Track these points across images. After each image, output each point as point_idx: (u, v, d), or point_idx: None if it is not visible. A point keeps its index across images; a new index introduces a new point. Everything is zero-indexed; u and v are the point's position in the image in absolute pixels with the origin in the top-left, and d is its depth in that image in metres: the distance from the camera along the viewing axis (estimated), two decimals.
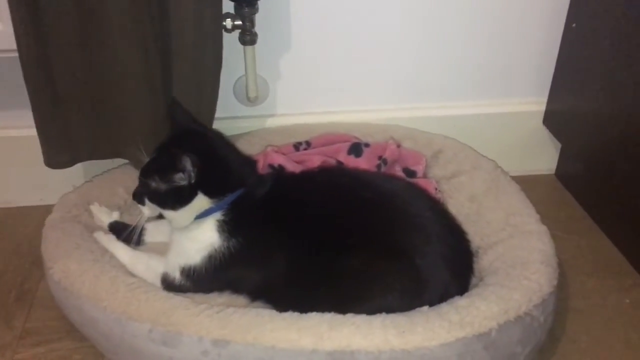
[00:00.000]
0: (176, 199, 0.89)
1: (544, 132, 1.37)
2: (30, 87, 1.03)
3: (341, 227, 0.88)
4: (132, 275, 0.93)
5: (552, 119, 1.34)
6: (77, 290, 0.88)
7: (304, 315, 0.81)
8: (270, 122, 1.31)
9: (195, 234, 0.91)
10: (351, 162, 1.13)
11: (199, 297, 0.91)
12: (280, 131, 1.27)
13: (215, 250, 0.90)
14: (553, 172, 1.42)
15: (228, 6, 1.13)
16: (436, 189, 1.12)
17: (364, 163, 1.13)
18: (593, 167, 1.25)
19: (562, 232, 1.15)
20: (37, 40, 0.99)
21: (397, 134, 1.22)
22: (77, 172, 1.21)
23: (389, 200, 0.91)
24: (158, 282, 0.93)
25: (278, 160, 1.12)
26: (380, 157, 1.14)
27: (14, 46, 1.00)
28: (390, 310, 0.81)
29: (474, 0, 1.23)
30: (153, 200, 0.91)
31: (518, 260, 0.92)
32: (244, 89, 1.24)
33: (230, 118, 1.30)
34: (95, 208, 1.07)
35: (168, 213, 0.91)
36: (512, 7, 1.25)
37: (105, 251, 0.97)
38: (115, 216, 1.08)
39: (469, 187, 1.12)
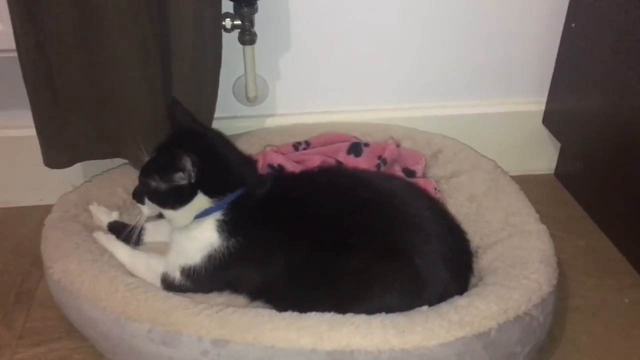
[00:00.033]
0: (176, 198, 0.89)
1: (544, 132, 1.37)
2: (29, 87, 1.03)
3: (341, 227, 0.88)
4: (131, 275, 0.93)
5: (552, 119, 1.34)
6: (77, 290, 0.88)
7: (303, 315, 0.81)
8: (270, 122, 1.31)
9: (195, 233, 0.91)
10: (351, 161, 1.13)
11: (199, 296, 0.91)
12: (279, 131, 1.27)
13: (215, 250, 0.90)
14: (552, 171, 1.42)
15: (227, 6, 1.13)
16: (435, 188, 1.12)
17: (363, 163, 1.13)
18: (592, 167, 1.25)
19: (561, 231, 1.15)
20: (37, 40, 0.99)
21: (397, 134, 1.22)
22: (76, 172, 1.21)
23: (389, 200, 0.91)
24: (158, 282, 0.93)
25: (277, 160, 1.12)
26: (379, 157, 1.14)
27: (14, 46, 1.00)
28: (389, 310, 0.81)
29: (473, 0, 1.23)
30: (153, 199, 0.91)
31: (517, 260, 0.92)
32: (244, 88, 1.24)
33: (230, 118, 1.30)
34: (94, 208, 1.07)
35: (168, 212, 0.91)
36: (512, 7, 1.25)
37: (104, 251, 0.97)
38: (114, 216, 1.08)
39: (468, 187, 1.12)
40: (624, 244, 1.15)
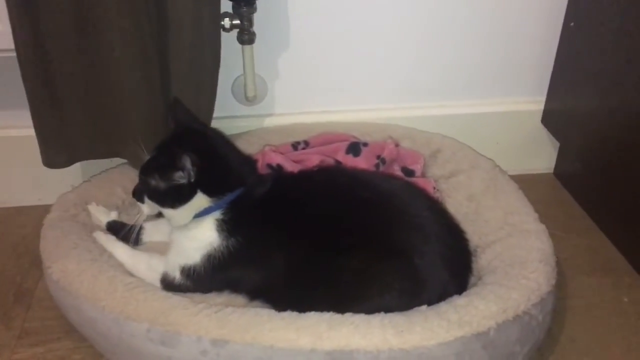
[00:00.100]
0: (175, 197, 0.89)
1: (543, 131, 1.37)
2: (28, 86, 1.03)
3: (340, 227, 0.88)
4: (131, 275, 0.93)
5: (551, 118, 1.34)
6: (76, 289, 0.87)
7: (302, 314, 0.81)
8: (269, 122, 1.31)
9: (195, 233, 0.91)
10: (349, 161, 1.13)
11: (198, 296, 0.91)
12: (278, 130, 1.27)
13: (215, 249, 0.90)
14: (551, 171, 1.42)
15: (226, 5, 1.13)
16: (435, 188, 1.12)
17: (362, 162, 1.13)
18: (591, 166, 1.25)
19: (560, 231, 1.15)
20: (35, 40, 0.99)
21: (396, 133, 1.22)
22: (75, 172, 1.21)
23: (388, 200, 0.91)
24: (158, 282, 0.93)
25: (276, 159, 1.11)
26: (378, 157, 1.14)
27: (12, 46, 1.00)
28: (388, 309, 0.81)
29: (472, 0, 1.23)
30: (152, 198, 0.91)
31: (516, 260, 0.92)
32: (243, 88, 1.24)
33: (229, 117, 1.30)
34: (93, 207, 1.07)
35: (167, 211, 0.91)
36: (511, 6, 1.25)
37: (103, 251, 0.97)
38: (113, 216, 1.08)
39: (467, 186, 1.12)
40: (623, 243, 1.16)
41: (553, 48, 1.29)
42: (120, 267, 0.94)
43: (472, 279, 0.93)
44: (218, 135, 0.99)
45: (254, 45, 1.17)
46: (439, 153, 1.20)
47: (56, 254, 0.94)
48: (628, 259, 1.14)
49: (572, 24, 1.23)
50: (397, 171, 1.15)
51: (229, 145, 0.97)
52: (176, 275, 0.92)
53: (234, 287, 0.93)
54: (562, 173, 1.39)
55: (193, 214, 0.90)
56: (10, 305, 1.06)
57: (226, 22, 1.13)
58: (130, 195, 0.99)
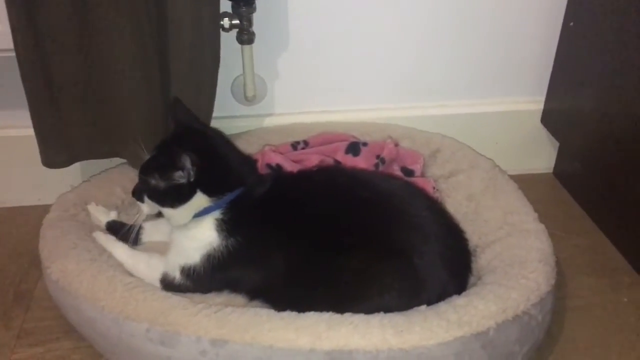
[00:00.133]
0: (175, 196, 0.89)
1: (542, 131, 1.37)
2: (27, 86, 1.03)
3: (339, 227, 0.88)
4: (130, 274, 0.93)
5: (550, 118, 1.34)
6: (75, 290, 0.87)
7: (302, 314, 0.81)
8: (268, 122, 1.31)
9: (194, 232, 0.91)
10: (349, 161, 1.13)
11: (197, 296, 0.91)
12: (278, 130, 1.27)
13: (214, 249, 0.90)
14: (551, 170, 1.42)
15: (226, 5, 1.12)
16: (434, 188, 1.12)
17: (361, 162, 1.13)
18: (591, 166, 1.25)
19: (560, 230, 1.16)
20: (35, 40, 0.99)
21: (395, 133, 1.22)
22: (74, 172, 1.21)
23: (387, 200, 0.91)
24: (157, 282, 0.93)
25: (276, 159, 1.11)
26: (378, 156, 1.14)
27: (12, 46, 1.00)
28: (388, 309, 0.81)
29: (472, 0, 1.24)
30: (152, 197, 0.91)
31: (516, 259, 0.92)
32: (242, 88, 1.24)
33: (228, 117, 1.29)
34: (92, 207, 1.07)
35: (167, 211, 0.91)
36: (510, 6, 1.25)
37: (102, 251, 0.96)
38: (112, 215, 1.08)
39: (466, 186, 1.12)
40: (623, 243, 1.16)
41: (553, 48, 1.29)
42: (119, 267, 0.94)
43: (472, 279, 0.93)
44: (218, 135, 0.99)
45: (254, 45, 1.17)
46: (439, 153, 1.20)
47: (55, 254, 0.94)
48: (628, 258, 1.14)
49: (571, 23, 1.23)
50: (396, 171, 1.15)
51: (229, 145, 0.97)
52: (176, 275, 0.92)
53: (234, 287, 0.93)
54: (562, 173, 1.39)
55: (193, 213, 0.90)
56: (10, 305, 1.06)
57: (225, 22, 1.13)
58: (130, 195, 0.99)
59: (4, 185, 1.29)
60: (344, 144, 1.16)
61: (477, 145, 1.21)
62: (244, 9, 1.12)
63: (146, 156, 0.92)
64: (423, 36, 1.27)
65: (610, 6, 1.11)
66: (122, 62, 1.02)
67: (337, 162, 1.13)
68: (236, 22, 1.13)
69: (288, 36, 1.23)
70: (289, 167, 1.11)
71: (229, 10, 1.13)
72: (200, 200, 0.89)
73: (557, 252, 0.95)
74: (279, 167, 1.11)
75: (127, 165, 1.15)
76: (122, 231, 1.02)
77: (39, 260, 0.96)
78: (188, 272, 0.91)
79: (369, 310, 0.80)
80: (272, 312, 0.82)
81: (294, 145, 1.20)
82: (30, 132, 1.07)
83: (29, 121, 1.06)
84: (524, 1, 1.25)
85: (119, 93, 1.05)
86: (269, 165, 1.11)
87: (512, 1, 1.24)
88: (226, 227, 0.90)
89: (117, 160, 1.17)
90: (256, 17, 1.15)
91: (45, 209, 1.05)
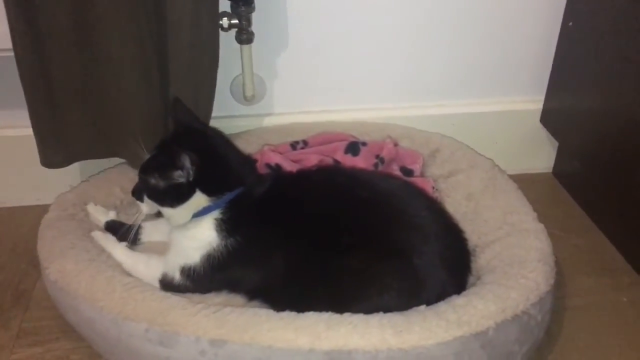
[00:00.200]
0: (175, 196, 0.89)
1: (541, 131, 1.37)
2: (26, 86, 1.03)
3: (338, 227, 0.88)
4: (129, 275, 0.93)
5: (550, 118, 1.34)
6: (74, 290, 0.87)
7: (301, 314, 0.81)
8: (268, 121, 1.31)
9: (194, 232, 0.91)
10: (348, 161, 1.13)
11: (196, 296, 0.91)
12: (277, 130, 1.27)
13: (214, 249, 0.90)
14: (550, 170, 1.42)
15: (225, 5, 1.12)
16: (433, 187, 1.12)
17: (361, 162, 1.13)
18: (590, 166, 1.25)
19: (559, 230, 1.15)
20: (33, 40, 0.99)
21: (395, 133, 1.22)
22: (73, 172, 1.21)
23: (386, 200, 0.91)
24: (157, 282, 0.93)
25: (275, 159, 1.11)
26: (377, 156, 1.14)
27: (10, 45, 0.99)
28: (387, 309, 0.81)
29: None
30: (152, 197, 0.91)
31: (515, 259, 0.92)
32: (241, 87, 1.24)
33: (227, 117, 1.29)
34: (91, 207, 1.07)
35: (166, 210, 0.91)
36: (509, 5, 1.25)
37: (101, 251, 0.96)
38: (111, 215, 1.08)
39: (466, 186, 1.12)
40: (622, 243, 1.15)
41: (552, 47, 1.29)
42: (118, 267, 0.94)
43: (471, 279, 0.93)
44: (218, 134, 0.99)
45: (253, 44, 1.17)
46: (438, 152, 1.20)
47: (54, 254, 0.94)
48: (627, 258, 1.13)
49: (570, 23, 1.23)
50: (396, 171, 1.15)
51: (229, 145, 0.97)
52: (175, 275, 0.92)
53: (233, 287, 0.93)
54: (561, 172, 1.39)
55: (192, 213, 0.90)
56: (9, 305, 1.05)
57: (224, 21, 1.13)
58: (129, 195, 0.99)
59: (3, 185, 1.29)
60: (344, 144, 1.16)
61: (476, 145, 1.21)
62: (243, 8, 1.12)
63: (146, 156, 0.92)
64: (422, 36, 1.26)
65: (609, 6, 1.11)
66: (121, 62, 1.02)
67: (337, 162, 1.13)
68: (235, 21, 1.13)
69: (287, 36, 1.23)
70: (288, 166, 1.10)
71: (228, 9, 1.13)
72: (199, 199, 0.89)
73: (557, 252, 0.95)
74: (278, 167, 1.11)
75: (126, 165, 1.15)
76: (121, 231, 1.02)
77: (38, 260, 0.96)
78: (188, 272, 0.91)
79: (368, 310, 0.80)
80: (271, 312, 0.82)
81: (293, 145, 1.20)
82: (29, 132, 1.07)
83: (27, 121, 1.06)
84: (524, 1, 1.24)
85: (118, 93, 1.05)
86: (268, 165, 1.11)
87: (511, 1, 1.24)
88: (225, 227, 0.90)
89: (116, 160, 1.17)
90: (255, 16, 1.15)
91: (44, 209, 1.05)
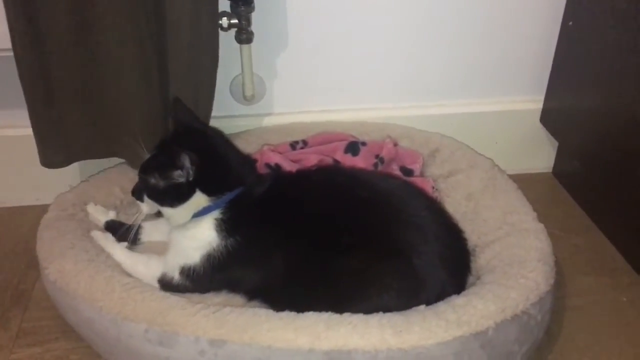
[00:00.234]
0: (174, 196, 0.89)
1: (541, 131, 1.37)
2: (25, 86, 1.03)
3: (338, 227, 0.88)
4: (128, 275, 0.93)
5: (549, 117, 1.34)
6: (73, 290, 0.87)
7: (300, 314, 0.80)
8: (267, 121, 1.31)
9: (194, 232, 0.91)
10: (348, 160, 1.13)
11: (196, 296, 0.91)
12: (277, 130, 1.27)
13: (214, 249, 0.90)
14: (550, 170, 1.42)
15: (224, 5, 1.12)
16: (433, 187, 1.12)
17: (360, 162, 1.13)
18: (590, 166, 1.25)
19: (559, 230, 1.15)
20: (33, 40, 0.99)
21: (394, 133, 1.22)
22: (73, 172, 1.21)
23: (386, 200, 0.91)
24: (156, 282, 0.93)
25: (274, 159, 1.11)
26: (377, 156, 1.14)
27: (9, 45, 0.99)
28: (387, 309, 0.81)
29: None
30: (152, 197, 0.91)
31: (515, 259, 0.92)
32: (241, 87, 1.24)
33: (227, 117, 1.29)
34: (91, 207, 1.07)
35: (166, 210, 0.91)
36: (509, 5, 1.25)
37: (100, 251, 0.96)
38: (111, 215, 1.08)
39: (466, 186, 1.12)
40: (622, 243, 1.15)
41: (552, 47, 1.29)
42: (117, 267, 0.94)
43: (471, 279, 0.93)
44: (218, 134, 0.99)
45: (252, 44, 1.17)
46: (438, 152, 1.20)
47: (53, 254, 0.93)
48: (627, 258, 1.13)
49: (570, 22, 1.23)
50: (395, 170, 1.15)
51: (229, 145, 0.97)
52: (175, 275, 0.92)
53: (233, 287, 0.93)
54: (561, 172, 1.39)
55: (192, 213, 0.90)
56: (8, 305, 1.05)
57: (224, 21, 1.12)
58: (129, 195, 0.99)
59: (3, 185, 1.29)
60: (343, 144, 1.16)
61: (476, 145, 1.21)
62: (242, 8, 1.12)
63: (146, 155, 0.92)
64: (422, 35, 1.26)
65: (609, 5, 1.11)
66: (121, 62, 1.02)
67: (336, 162, 1.13)
68: (235, 21, 1.13)
69: (287, 35, 1.23)
70: (288, 166, 1.10)
71: (228, 9, 1.13)
72: (199, 199, 0.89)
73: (557, 252, 0.95)
74: (278, 167, 1.11)
75: (126, 165, 1.14)
76: (121, 231, 1.02)
77: (37, 260, 0.96)
78: (187, 272, 0.91)
79: (368, 310, 0.80)
80: (270, 312, 0.81)
81: (293, 145, 1.20)
82: (29, 131, 1.07)
83: (27, 121, 1.06)
84: (524, 1, 1.24)
85: (118, 93, 1.05)
86: (268, 165, 1.11)
87: (511, 1, 1.24)
88: (225, 227, 0.90)
89: (116, 160, 1.17)
90: (255, 16, 1.15)
91: (43, 208, 1.05)
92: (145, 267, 0.95)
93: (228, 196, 0.90)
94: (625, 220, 1.12)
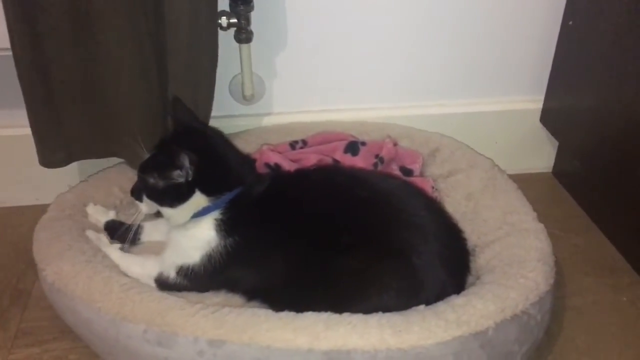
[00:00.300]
0: (174, 196, 0.89)
1: (541, 130, 1.37)
2: (24, 85, 1.03)
3: (338, 226, 0.87)
4: (126, 275, 0.92)
5: (549, 117, 1.34)
6: (71, 291, 0.87)
7: (299, 314, 0.80)
8: (267, 121, 1.31)
9: (193, 232, 0.91)
10: (347, 160, 1.13)
11: (195, 297, 0.91)
12: (276, 130, 1.26)
13: (213, 249, 0.90)
14: (550, 170, 1.42)
15: (223, 4, 1.12)
16: (433, 187, 1.12)
17: (360, 162, 1.12)
18: (590, 165, 1.25)
19: (559, 230, 1.15)
20: (32, 39, 0.99)
21: (394, 133, 1.22)
22: (72, 172, 1.21)
23: (386, 199, 0.91)
24: (152, 282, 0.93)
25: (274, 158, 1.11)
26: (376, 156, 1.14)
27: (9, 45, 0.99)
28: (386, 309, 0.81)
29: None
30: (151, 196, 0.91)
31: (515, 259, 0.91)
32: (240, 87, 1.24)
33: (227, 117, 1.29)
34: (91, 208, 1.07)
35: (166, 210, 0.91)
36: (509, 5, 1.24)
37: (97, 251, 0.96)
38: (111, 215, 1.07)
39: (465, 186, 1.12)
40: (622, 243, 1.15)
41: (552, 47, 1.28)
42: (115, 268, 0.93)
43: (471, 279, 0.93)
44: (217, 134, 0.99)
45: (252, 43, 1.17)
46: (438, 152, 1.20)
47: (50, 256, 0.93)
48: (627, 258, 1.13)
49: (570, 22, 1.23)
50: (395, 170, 1.15)
51: (228, 145, 0.97)
52: (171, 274, 0.92)
53: (232, 286, 0.93)
54: (561, 172, 1.39)
55: (191, 213, 0.90)
56: (7, 305, 1.05)
57: (223, 20, 1.12)
58: (128, 195, 0.98)
59: (2, 185, 1.29)
60: (343, 144, 1.16)
61: (476, 145, 1.21)
62: (241, 7, 1.12)
63: (145, 155, 0.92)
64: (422, 35, 1.26)
65: (609, 5, 1.10)
66: (120, 62, 1.02)
67: (336, 162, 1.13)
68: (234, 20, 1.13)
69: (286, 35, 1.23)
70: (288, 166, 1.10)
71: (227, 8, 1.13)
72: (199, 199, 0.89)
73: (557, 252, 0.95)
74: (277, 167, 1.10)
75: (125, 164, 1.14)
76: (121, 230, 1.02)
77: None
78: (186, 271, 0.91)
79: (367, 310, 0.80)
80: (270, 312, 0.81)
81: (293, 145, 1.20)
82: (28, 131, 1.07)
83: (25, 120, 1.06)
84: (524, 0, 1.24)
85: (117, 93, 1.05)
86: (267, 165, 1.11)
87: (511, 1, 1.24)
88: (225, 227, 0.90)
89: (115, 160, 1.17)
90: (254, 15, 1.15)
91: (42, 208, 1.04)
92: (141, 268, 0.95)
93: (227, 196, 0.90)
94: (625, 220, 1.12)
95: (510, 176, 1.11)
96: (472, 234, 1.01)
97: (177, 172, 0.87)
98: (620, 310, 1.04)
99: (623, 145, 1.10)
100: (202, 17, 1.04)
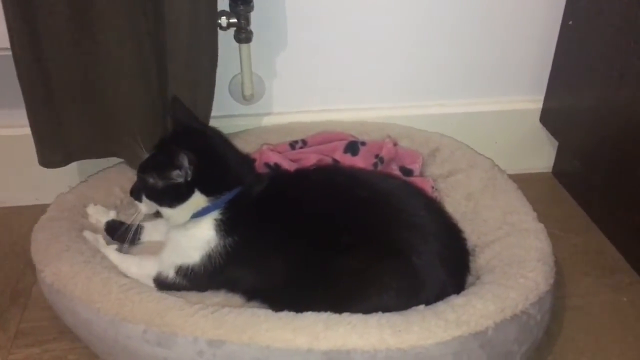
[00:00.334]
0: (173, 196, 0.89)
1: (541, 130, 1.37)
2: (24, 85, 1.03)
3: (337, 226, 0.87)
4: (125, 276, 0.92)
5: (549, 117, 1.34)
6: (70, 292, 0.87)
7: (299, 314, 0.80)
8: (267, 121, 1.31)
9: (193, 232, 0.91)
10: (347, 160, 1.13)
11: (194, 297, 0.91)
12: (276, 130, 1.26)
13: (212, 249, 0.90)
14: (550, 170, 1.42)
15: (223, 4, 1.12)
16: (433, 187, 1.12)
17: (360, 161, 1.12)
18: (590, 165, 1.24)
19: (559, 230, 1.15)
20: (31, 39, 0.99)
21: (394, 133, 1.22)
22: (72, 172, 1.21)
23: (385, 199, 0.91)
24: (151, 282, 0.93)
25: (273, 158, 1.11)
26: (376, 156, 1.14)
27: (8, 45, 0.99)
28: (386, 309, 0.80)
29: None
30: (150, 196, 0.91)
31: (515, 259, 0.91)
32: (240, 87, 1.24)
33: (226, 116, 1.29)
34: (91, 209, 1.07)
35: (165, 210, 0.91)
36: (509, 5, 1.24)
37: (96, 252, 0.96)
38: (112, 215, 1.07)
39: (465, 186, 1.12)
40: (622, 243, 1.15)
41: (551, 47, 1.28)
42: (114, 268, 0.93)
43: (470, 279, 0.93)
44: (217, 134, 0.99)
45: (251, 43, 1.17)
46: (438, 152, 1.20)
47: (48, 256, 0.93)
48: (627, 258, 1.13)
49: (570, 22, 1.23)
50: (395, 170, 1.15)
51: (228, 145, 0.97)
52: (169, 274, 0.92)
53: (232, 286, 0.93)
54: (561, 172, 1.39)
55: (191, 213, 0.90)
56: (6, 305, 1.05)
57: (223, 20, 1.12)
58: (128, 195, 0.98)
59: (1, 185, 1.29)
60: (343, 143, 1.16)
61: (476, 145, 1.21)
62: (241, 7, 1.12)
63: (145, 155, 0.92)
64: (422, 35, 1.26)
65: (609, 5, 1.10)
66: (120, 61, 1.02)
67: (336, 162, 1.13)
68: (234, 20, 1.13)
69: (286, 35, 1.23)
70: (287, 166, 1.10)
71: (227, 8, 1.13)
72: (198, 199, 0.89)
73: (556, 252, 0.95)
74: (277, 166, 1.10)
75: (125, 164, 1.14)
76: (121, 230, 1.02)
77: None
78: (185, 271, 0.91)
79: (367, 310, 0.80)
80: (269, 312, 0.81)
81: (292, 145, 1.20)
82: (27, 131, 1.07)
83: (25, 120, 1.06)
84: (524, 0, 1.24)
85: (117, 93, 1.05)
86: (267, 165, 1.11)
87: (511, 1, 1.24)
88: (224, 227, 0.90)
89: (114, 160, 1.17)
90: (254, 15, 1.15)
91: (42, 208, 1.04)
92: (139, 268, 0.94)
93: (227, 196, 0.90)
94: (625, 220, 1.12)
95: (510, 176, 1.11)
96: (472, 234, 1.01)
97: (176, 172, 0.86)
98: (620, 310, 1.04)
99: (623, 145, 1.10)
100: (202, 17, 1.04)
